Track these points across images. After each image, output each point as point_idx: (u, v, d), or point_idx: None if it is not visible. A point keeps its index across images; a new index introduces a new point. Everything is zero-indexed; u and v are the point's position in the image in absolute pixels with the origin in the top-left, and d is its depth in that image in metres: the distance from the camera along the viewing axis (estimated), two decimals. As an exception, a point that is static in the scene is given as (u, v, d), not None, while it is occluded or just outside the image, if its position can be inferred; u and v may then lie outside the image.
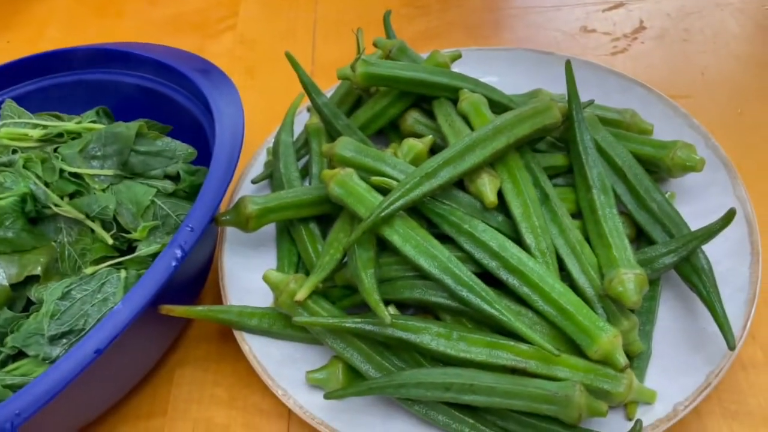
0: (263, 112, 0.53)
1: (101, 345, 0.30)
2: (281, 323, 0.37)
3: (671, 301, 0.37)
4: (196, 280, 0.40)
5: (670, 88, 0.51)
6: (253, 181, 0.44)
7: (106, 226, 0.36)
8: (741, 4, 0.58)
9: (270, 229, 0.42)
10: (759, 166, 0.45)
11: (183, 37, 0.64)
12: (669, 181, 0.42)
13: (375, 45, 0.47)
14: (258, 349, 0.36)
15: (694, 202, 0.40)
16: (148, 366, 0.39)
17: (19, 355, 0.33)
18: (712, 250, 0.36)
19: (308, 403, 0.34)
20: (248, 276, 0.40)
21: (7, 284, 0.34)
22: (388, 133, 0.46)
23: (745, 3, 0.58)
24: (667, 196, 0.40)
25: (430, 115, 0.43)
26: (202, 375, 0.40)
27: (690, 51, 0.54)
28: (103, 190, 0.36)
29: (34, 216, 0.36)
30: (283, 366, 0.36)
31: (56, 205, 0.36)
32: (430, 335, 0.34)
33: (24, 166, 0.36)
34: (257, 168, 0.46)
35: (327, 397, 0.33)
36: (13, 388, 0.31)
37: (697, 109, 0.47)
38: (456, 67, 0.46)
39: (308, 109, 0.47)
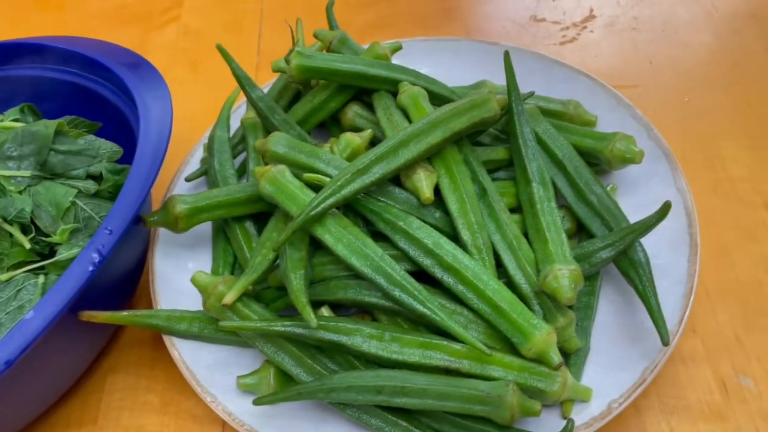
0: (205, 107, 0.51)
1: (11, 356, 0.28)
2: (212, 327, 0.36)
3: (611, 296, 0.37)
4: (126, 282, 0.39)
5: (618, 78, 0.50)
6: (187, 179, 0.43)
7: (24, 230, 0.34)
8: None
9: (206, 228, 0.41)
10: (703, 155, 0.45)
11: (126, 29, 0.62)
12: (612, 173, 0.41)
13: (315, 36, 0.46)
14: (188, 354, 0.35)
15: (636, 195, 0.40)
16: (76, 374, 0.37)
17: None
18: (651, 242, 0.36)
19: (238, 409, 0.33)
20: (182, 278, 0.39)
21: None
22: (330, 127, 0.45)
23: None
24: (608, 188, 0.39)
25: (372, 108, 0.42)
26: (135, 381, 0.38)
27: (639, 39, 0.54)
28: (20, 192, 0.34)
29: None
30: (215, 371, 0.35)
31: (-34, 209, 0.34)
32: (361, 337, 0.33)
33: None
34: (194, 165, 0.44)
35: (256, 402, 0.32)
36: None
37: (644, 99, 0.47)
38: (400, 59, 0.45)
39: (247, 104, 0.46)
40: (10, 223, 0.34)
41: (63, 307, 0.29)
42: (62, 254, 0.34)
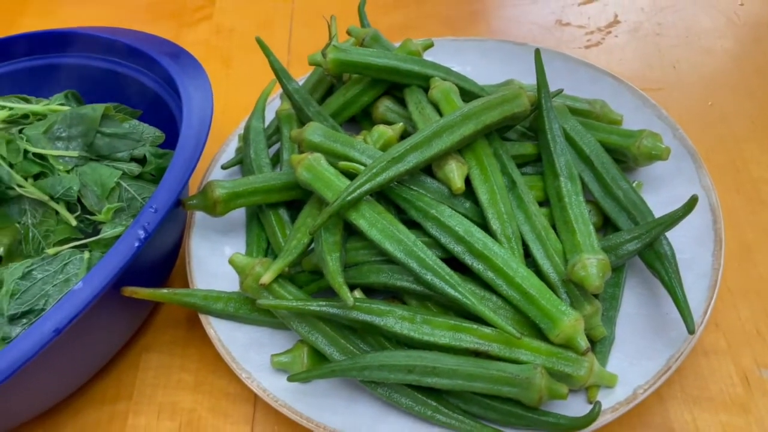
0: (238, 101, 0.53)
1: (60, 324, 0.29)
2: (247, 308, 0.37)
3: (636, 288, 0.38)
4: (163, 264, 0.40)
5: (642, 81, 0.51)
6: (223, 167, 0.44)
7: (70, 208, 0.36)
8: (713, 0, 0.58)
9: (240, 214, 0.42)
10: (726, 157, 0.46)
11: (159, 25, 0.64)
12: (637, 170, 0.42)
13: (348, 33, 0.47)
14: (223, 333, 0.36)
15: (661, 192, 0.41)
16: (113, 350, 0.38)
17: (-21, 335, 0.33)
18: (676, 238, 0.37)
19: (272, 386, 0.34)
20: (216, 261, 0.40)
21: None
22: (361, 120, 0.46)
23: (718, -1, 0.59)
24: (634, 185, 0.40)
25: (402, 103, 0.43)
26: (169, 360, 0.40)
27: (663, 45, 0.55)
28: (68, 172, 0.36)
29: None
30: (249, 350, 0.36)
31: (20, 186, 0.35)
32: (394, 318, 0.34)
33: (-11, 144, 0.36)
34: (229, 154, 0.46)
35: (290, 379, 0.33)
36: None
37: (668, 101, 0.48)
38: (429, 57, 0.46)
39: (281, 96, 0.47)
40: (57, 201, 0.36)
41: (111, 279, 0.31)
42: (106, 232, 0.35)
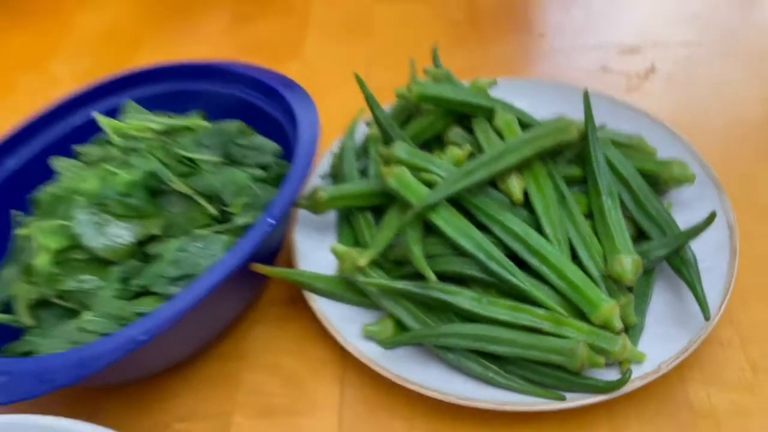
0: (327, 127, 0.63)
1: (213, 284, 0.39)
2: (342, 287, 0.46)
3: (664, 289, 0.45)
4: (272, 253, 0.49)
5: (674, 123, 0.60)
6: (322, 177, 0.53)
7: (211, 201, 0.45)
8: (744, 56, 0.66)
9: (331, 217, 0.52)
10: (747, 191, 0.53)
11: (254, 61, 0.75)
12: (668, 193, 0.50)
13: (425, 72, 0.56)
14: (324, 307, 0.45)
15: (687, 212, 0.48)
16: (231, 317, 0.47)
17: (143, 294, 0.42)
18: (698, 249, 0.44)
19: (364, 348, 0.43)
20: (316, 253, 0.49)
21: (135, 241, 0.43)
22: (432, 145, 0.55)
23: (747, 54, 0.67)
24: (665, 205, 0.48)
25: (469, 131, 0.52)
26: (275, 332, 0.48)
27: (694, 92, 0.63)
28: (210, 173, 0.45)
29: (154, 190, 0.45)
30: (344, 321, 0.45)
31: (172, 183, 0.45)
32: (464, 298, 0.42)
33: (148, 151, 0.46)
34: (322, 168, 0.55)
35: (383, 341, 0.42)
36: (142, 315, 0.40)
37: (696, 139, 0.56)
38: (493, 94, 0.55)
39: (367, 124, 0.57)
40: (201, 195, 0.45)
41: (248, 254, 0.40)
42: (238, 221, 0.45)
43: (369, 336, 0.44)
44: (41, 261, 0.42)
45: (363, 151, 0.55)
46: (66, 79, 0.68)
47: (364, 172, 0.54)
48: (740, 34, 0.69)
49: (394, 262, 0.47)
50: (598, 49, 0.69)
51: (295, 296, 0.48)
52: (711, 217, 0.42)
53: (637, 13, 0.74)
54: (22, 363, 0.37)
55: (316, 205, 0.48)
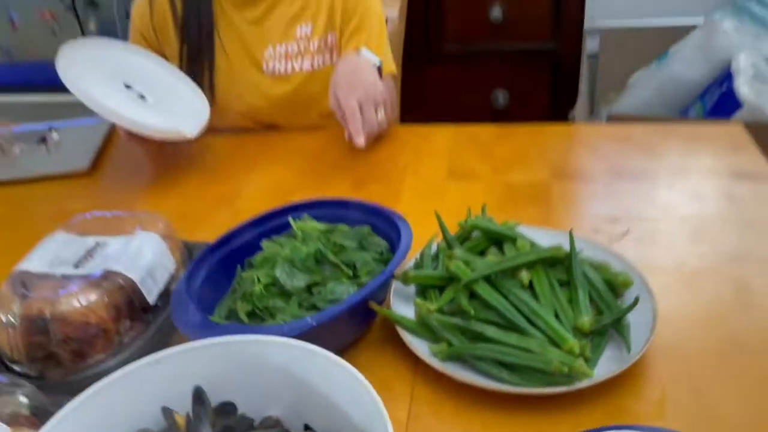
0: (413, 242, 0.98)
1: (349, 305, 0.72)
2: (419, 324, 0.78)
3: (611, 344, 0.75)
4: (379, 302, 0.82)
5: (631, 260, 0.92)
6: (410, 267, 0.88)
7: (348, 268, 0.80)
8: (690, 228, 0.99)
9: (412, 288, 0.85)
10: (667, 299, 0.84)
11: (361, 195, 1.13)
12: (624, 294, 0.81)
13: (475, 217, 0.92)
14: (407, 337, 0.77)
15: (628, 302, 0.79)
16: (352, 338, 0.79)
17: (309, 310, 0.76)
18: (633, 319, 0.75)
19: (431, 360, 0.74)
20: (402, 306, 0.82)
21: (306, 285, 0.78)
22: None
23: (692, 226, 1.00)
24: (616, 299, 0.79)
25: (500, 248, 0.86)
26: (375, 353, 0.80)
27: (649, 247, 0.96)
28: (350, 253, 0.81)
29: (318, 259, 0.81)
30: (418, 345, 0.76)
31: (329, 256, 0.80)
32: (490, 329, 0.73)
33: (317, 239, 0.82)
34: (410, 264, 0.89)
35: (439, 355, 0.73)
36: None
37: (642, 268, 0.88)
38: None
39: (437, 242, 0.92)
40: (345, 265, 0.80)
41: (367, 294, 0.73)
42: (363, 279, 0.79)
43: (433, 352, 0.75)
44: (257, 289, 0.77)
45: (435, 257, 0.89)
46: (246, 213, 1.06)
47: (434, 268, 0.88)
48: (685, 215, 1.03)
49: (449, 313, 0.79)
50: (594, 218, 1.04)
51: (388, 332, 0.80)
52: (635, 302, 0.74)
53: (621, 198, 1.09)
54: (262, 329, 0.70)
55: (405, 279, 0.82)
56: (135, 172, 1.31)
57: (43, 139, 1.34)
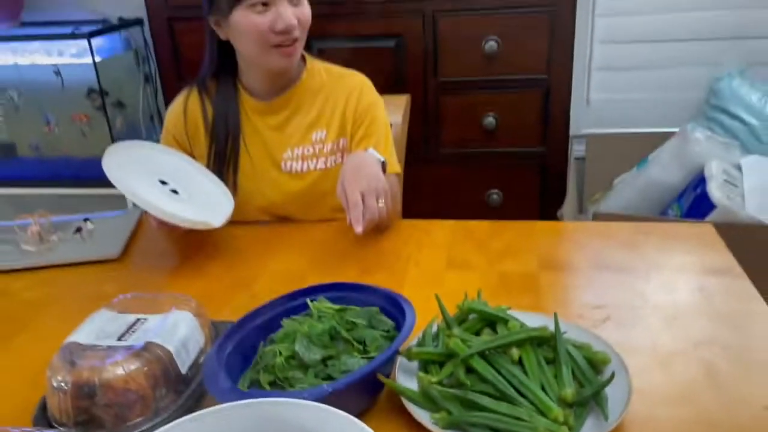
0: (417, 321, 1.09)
1: (360, 375, 0.82)
2: (422, 395, 0.87)
3: (592, 414, 0.85)
4: (386, 375, 0.92)
5: (610, 342, 1.02)
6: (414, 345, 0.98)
7: (359, 343, 0.91)
8: (660, 316, 1.11)
9: (415, 364, 0.95)
10: (642, 377, 0.94)
11: (369, 280, 1.25)
12: (599, 369, 0.92)
13: (471, 300, 1.04)
14: (412, 408, 0.86)
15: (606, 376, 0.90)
16: (360, 408, 0.89)
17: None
18: (611, 393, 0.85)
19: (433, 426, 0.83)
20: (405, 380, 0.91)
21: (321, 358, 0.88)
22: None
23: (663, 316, 1.11)
24: (597, 376, 0.89)
25: (494, 330, 0.97)
26: (381, 420, 0.89)
27: (627, 332, 1.07)
28: (360, 329, 0.92)
29: (333, 335, 0.92)
30: (421, 414, 0.85)
31: (342, 333, 0.91)
32: (485, 399, 0.83)
33: (330, 317, 0.93)
34: (413, 342, 1.00)
35: (440, 423, 0.82)
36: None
37: (618, 348, 0.99)
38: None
39: (438, 322, 1.03)
40: (355, 340, 0.91)
41: (376, 366, 0.84)
42: (371, 354, 0.89)
43: (434, 420, 0.84)
44: (279, 361, 0.88)
45: (435, 336, 1.00)
46: (263, 296, 1.17)
47: (435, 346, 0.98)
48: (660, 304, 1.14)
49: (448, 385, 0.89)
50: (579, 305, 1.16)
51: (396, 407, 0.89)
52: (611, 377, 0.84)
53: (603, 288, 1.21)
54: (284, 394, 0.80)
55: (409, 355, 0.92)
56: (161, 258, 1.43)
57: (79, 229, 1.47)
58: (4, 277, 1.34)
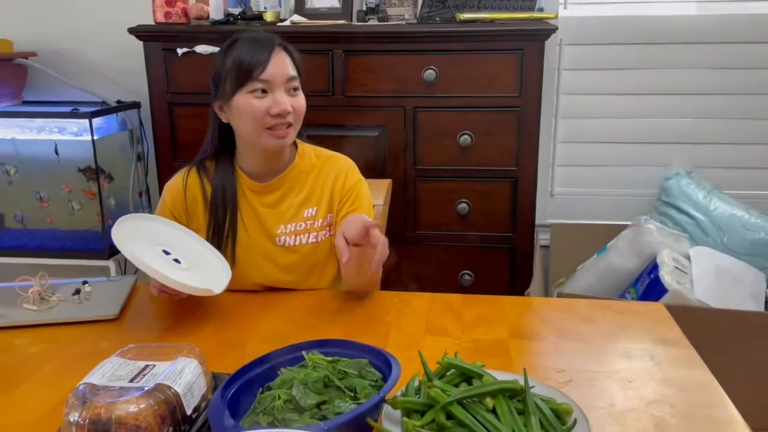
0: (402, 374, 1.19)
1: (350, 417, 0.92)
2: (406, 439, 0.97)
3: (558, 458, 0.95)
4: (375, 420, 1.02)
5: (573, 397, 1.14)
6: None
7: (350, 390, 1.01)
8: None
9: (399, 412, 1.04)
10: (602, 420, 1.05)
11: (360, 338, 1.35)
12: (565, 421, 1.03)
13: (451, 356, 1.15)
14: (396, 446, 0.96)
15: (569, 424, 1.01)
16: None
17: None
18: (574, 440, 0.96)
19: (415, 461, 0.92)
20: (392, 426, 1.01)
21: (316, 402, 0.98)
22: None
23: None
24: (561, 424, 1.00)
25: (470, 383, 1.08)
26: (367, 463, 0.98)
27: (585, 389, 1.19)
28: (351, 378, 1.02)
29: (326, 383, 1.02)
30: (405, 453, 0.95)
31: (334, 381, 1.02)
32: (462, 441, 0.93)
33: (324, 368, 1.04)
34: (398, 392, 1.10)
35: (423, 456, 0.92)
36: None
37: (580, 402, 1.10)
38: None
39: (420, 377, 1.13)
40: (346, 387, 1.01)
41: (364, 410, 0.94)
42: (361, 400, 0.99)
43: (417, 460, 0.94)
44: (277, 404, 0.97)
45: (417, 390, 1.10)
46: (253, 356, 1.26)
47: (418, 396, 1.08)
48: (616, 369, 1.27)
49: (429, 429, 0.99)
50: (544, 369, 1.28)
51: (380, 449, 0.99)
52: (574, 423, 0.96)
53: (565, 355, 1.34)
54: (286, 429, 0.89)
55: (395, 404, 1.02)
56: (156, 319, 1.52)
57: (78, 291, 1.55)
58: (6, 334, 1.41)
